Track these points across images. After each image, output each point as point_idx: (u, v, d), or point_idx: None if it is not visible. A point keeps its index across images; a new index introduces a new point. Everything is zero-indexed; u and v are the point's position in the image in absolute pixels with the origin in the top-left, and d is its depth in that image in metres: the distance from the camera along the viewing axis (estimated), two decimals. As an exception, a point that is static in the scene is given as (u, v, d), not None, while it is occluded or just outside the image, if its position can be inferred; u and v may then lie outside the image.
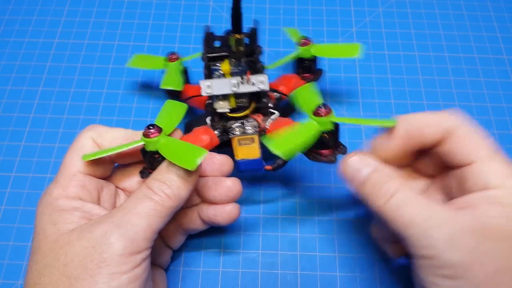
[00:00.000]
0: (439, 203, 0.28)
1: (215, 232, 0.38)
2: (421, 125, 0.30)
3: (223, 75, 0.33)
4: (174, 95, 0.41)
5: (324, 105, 0.31)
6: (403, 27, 0.52)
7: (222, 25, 0.51)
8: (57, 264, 0.26)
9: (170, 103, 0.34)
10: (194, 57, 0.43)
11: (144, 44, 0.50)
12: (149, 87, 0.47)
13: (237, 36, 0.31)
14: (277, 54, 0.49)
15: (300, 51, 0.41)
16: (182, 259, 0.37)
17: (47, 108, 0.45)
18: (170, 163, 0.29)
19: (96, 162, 0.31)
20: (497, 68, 0.49)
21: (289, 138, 0.31)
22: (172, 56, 0.42)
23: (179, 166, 0.28)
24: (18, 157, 0.42)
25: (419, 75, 0.48)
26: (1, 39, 0.50)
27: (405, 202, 0.27)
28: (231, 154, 0.35)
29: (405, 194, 0.28)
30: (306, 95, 0.34)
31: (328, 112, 0.31)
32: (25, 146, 0.43)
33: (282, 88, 0.40)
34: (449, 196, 0.30)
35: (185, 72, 0.42)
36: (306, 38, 0.41)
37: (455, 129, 0.29)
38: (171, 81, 0.39)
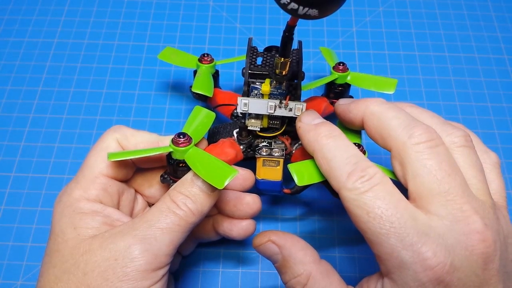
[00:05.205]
0: None
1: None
2: (345, 111, 0.31)
3: (262, 95, 0.33)
4: (201, 98, 0.40)
5: (359, 145, 0.30)
6: (403, 26, 0.52)
7: (222, 24, 0.51)
8: (76, 271, 0.26)
9: (199, 110, 0.33)
10: (227, 61, 0.42)
11: (144, 44, 0.50)
12: (150, 87, 0.47)
13: (283, 59, 0.30)
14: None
15: (336, 77, 0.39)
16: (182, 259, 0.37)
17: (46, 108, 0.45)
18: (195, 175, 0.28)
19: (119, 164, 0.30)
20: (497, 68, 0.49)
21: (312, 168, 0.29)
22: (206, 58, 0.40)
23: (203, 180, 0.28)
24: (17, 157, 0.42)
25: (419, 75, 0.48)
26: (0, 39, 0.50)
27: None
28: (252, 165, 0.34)
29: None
30: (347, 130, 0.33)
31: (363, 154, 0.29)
32: (24, 146, 0.43)
33: None
34: None
35: (216, 75, 0.41)
36: (343, 64, 0.39)
37: (365, 117, 0.29)
38: (203, 86, 0.38)
